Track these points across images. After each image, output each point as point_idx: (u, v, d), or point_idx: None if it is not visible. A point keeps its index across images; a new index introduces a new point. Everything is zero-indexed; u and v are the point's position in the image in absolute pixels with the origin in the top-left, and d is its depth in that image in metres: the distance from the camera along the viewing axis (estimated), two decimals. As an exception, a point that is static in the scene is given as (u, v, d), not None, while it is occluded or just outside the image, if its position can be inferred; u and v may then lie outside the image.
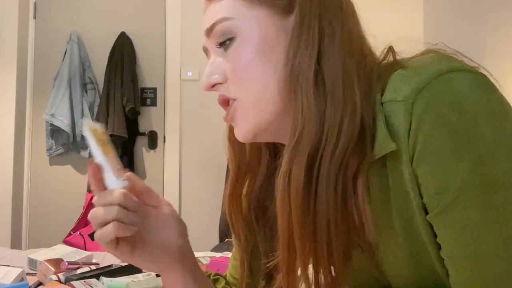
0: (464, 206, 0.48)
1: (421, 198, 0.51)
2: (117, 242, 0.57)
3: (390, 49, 0.59)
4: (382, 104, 0.52)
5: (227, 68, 0.59)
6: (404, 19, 2.93)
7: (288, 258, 0.55)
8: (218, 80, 0.60)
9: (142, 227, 0.59)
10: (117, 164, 0.59)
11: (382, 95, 0.53)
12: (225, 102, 0.61)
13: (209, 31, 0.60)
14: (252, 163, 0.68)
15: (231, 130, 0.66)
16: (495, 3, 2.24)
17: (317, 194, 0.52)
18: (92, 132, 0.58)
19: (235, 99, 0.59)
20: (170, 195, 2.96)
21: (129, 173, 0.61)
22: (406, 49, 0.59)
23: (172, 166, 3.02)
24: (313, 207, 0.52)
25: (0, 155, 2.87)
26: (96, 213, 0.56)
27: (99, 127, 0.61)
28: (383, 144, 0.51)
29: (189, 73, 3.03)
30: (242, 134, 0.60)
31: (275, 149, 0.67)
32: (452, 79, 0.49)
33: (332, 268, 0.54)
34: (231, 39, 0.58)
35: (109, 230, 0.55)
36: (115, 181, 0.57)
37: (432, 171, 0.49)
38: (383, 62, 0.58)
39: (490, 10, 2.28)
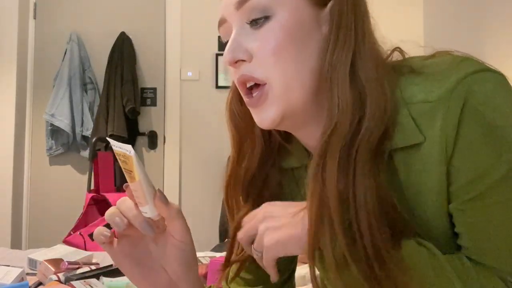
0: (496, 196, 0.52)
1: (447, 191, 0.54)
2: (113, 241, 0.60)
3: (396, 49, 0.61)
4: (407, 104, 0.55)
5: (255, 46, 0.57)
6: (404, 19, 2.93)
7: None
8: (243, 57, 0.57)
9: (145, 248, 0.62)
10: (143, 191, 0.56)
11: (401, 94, 0.56)
12: (244, 84, 0.59)
13: (241, 3, 0.57)
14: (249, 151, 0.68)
15: (235, 114, 0.66)
16: (495, 3, 2.24)
17: (355, 183, 0.53)
18: (116, 155, 0.56)
19: (265, 83, 0.57)
20: (170, 195, 2.94)
21: (156, 198, 0.58)
22: (407, 50, 0.61)
23: (172, 166, 3.02)
24: (352, 196, 0.53)
25: (0, 155, 2.87)
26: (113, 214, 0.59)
27: (122, 150, 0.56)
28: (408, 135, 0.54)
29: (189, 73, 3.03)
30: (270, 119, 0.58)
31: (270, 139, 0.67)
32: (481, 79, 0.53)
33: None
34: (266, 18, 0.56)
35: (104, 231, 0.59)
36: (143, 211, 0.58)
37: (466, 163, 0.52)
38: (388, 60, 0.61)
39: (490, 10, 2.28)
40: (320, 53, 0.57)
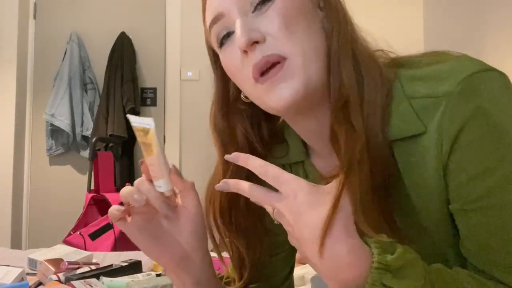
0: (498, 198, 0.52)
1: (446, 189, 0.54)
2: (127, 218, 0.61)
3: (380, 51, 0.62)
4: (409, 98, 0.55)
5: (265, 26, 0.56)
6: (404, 19, 2.93)
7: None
8: (258, 38, 0.55)
9: (160, 222, 0.63)
10: (160, 165, 0.58)
11: (402, 87, 0.56)
12: (261, 68, 0.56)
13: None
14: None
15: (218, 120, 0.67)
16: (495, 3, 2.24)
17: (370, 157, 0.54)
18: (135, 131, 0.58)
19: (285, 58, 0.55)
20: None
21: (172, 172, 0.60)
22: (406, 49, 0.62)
23: (172, 166, 3.02)
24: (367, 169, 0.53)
25: (0, 155, 2.87)
26: (127, 193, 0.60)
27: (142, 125, 0.57)
28: (409, 126, 0.54)
29: (189, 73, 3.03)
30: (292, 93, 0.55)
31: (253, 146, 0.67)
32: (486, 78, 0.53)
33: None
34: (269, 0, 0.56)
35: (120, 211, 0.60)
36: (157, 186, 0.59)
37: (467, 161, 0.52)
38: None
39: (490, 10, 2.28)
40: (324, 33, 0.58)
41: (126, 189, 0.61)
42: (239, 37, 0.55)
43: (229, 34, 0.59)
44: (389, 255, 0.47)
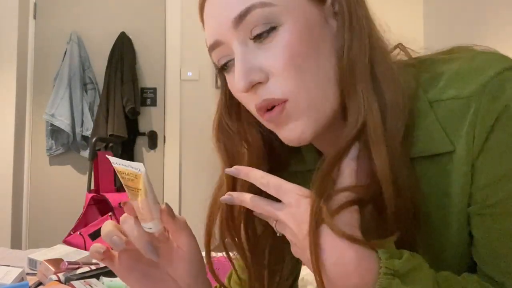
0: None
1: (469, 192, 0.51)
2: (116, 256, 0.57)
3: (399, 45, 0.58)
4: (431, 103, 0.52)
5: (268, 63, 0.50)
6: (404, 19, 2.93)
7: None
8: (260, 79, 0.51)
9: (150, 259, 0.56)
10: (150, 208, 0.52)
11: (424, 93, 0.53)
12: (265, 108, 0.52)
13: (240, 18, 0.50)
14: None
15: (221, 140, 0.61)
16: (495, 3, 2.24)
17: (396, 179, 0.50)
18: (119, 173, 0.52)
19: (285, 100, 0.51)
20: (170, 195, 2.96)
21: (164, 213, 0.54)
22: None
23: (172, 166, 3.02)
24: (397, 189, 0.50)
25: (0, 155, 2.87)
26: (111, 234, 0.54)
27: (129, 168, 0.51)
28: (437, 144, 0.51)
29: (189, 73, 3.03)
30: (299, 134, 0.52)
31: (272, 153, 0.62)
32: None
33: None
34: (273, 29, 0.50)
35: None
36: (146, 227, 0.54)
37: (490, 163, 0.49)
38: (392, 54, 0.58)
39: (490, 10, 2.28)
40: (335, 51, 0.52)
41: (107, 227, 0.55)
42: (238, 81, 0.50)
43: (230, 61, 0.54)
44: (396, 260, 0.45)
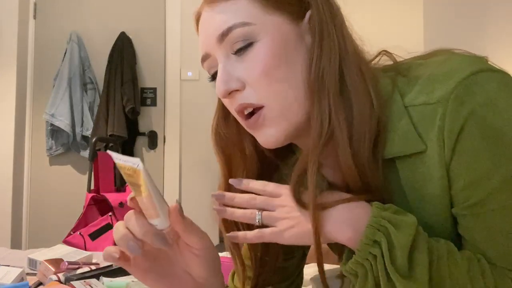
0: (497, 203, 0.51)
1: (449, 194, 0.54)
2: (129, 258, 0.56)
3: (383, 52, 0.61)
4: (406, 107, 0.55)
5: (244, 74, 0.57)
6: (404, 19, 2.93)
7: None
8: (236, 87, 0.58)
9: (166, 258, 0.58)
10: (153, 204, 0.51)
11: (401, 97, 0.56)
12: (243, 111, 0.59)
13: (222, 36, 0.57)
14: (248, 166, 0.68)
15: (221, 137, 0.67)
16: (495, 3, 2.24)
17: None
18: (120, 169, 0.51)
19: (261, 106, 0.57)
20: (170, 195, 2.96)
21: (173, 211, 0.53)
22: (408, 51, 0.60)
23: (172, 166, 3.02)
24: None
25: (0, 155, 2.87)
26: (120, 232, 0.54)
27: (127, 163, 0.50)
28: (410, 144, 0.54)
29: (189, 73, 3.03)
30: (274, 139, 0.58)
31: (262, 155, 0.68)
32: (482, 79, 0.51)
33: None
34: (250, 44, 0.57)
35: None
36: (153, 223, 0.53)
37: (465, 166, 0.52)
38: (373, 63, 0.61)
39: (490, 10, 2.28)
40: (307, 65, 0.57)
41: (120, 231, 0.53)
42: (218, 87, 0.58)
43: (217, 73, 0.60)
44: (384, 209, 0.53)
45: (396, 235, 0.50)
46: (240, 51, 0.57)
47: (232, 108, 0.60)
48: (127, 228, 0.53)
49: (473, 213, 0.53)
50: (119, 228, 0.54)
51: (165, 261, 0.58)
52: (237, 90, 0.58)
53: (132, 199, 0.53)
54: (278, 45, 0.56)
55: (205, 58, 0.62)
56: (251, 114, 0.59)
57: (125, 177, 0.52)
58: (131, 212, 0.54)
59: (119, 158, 0.51)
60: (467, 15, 2.48)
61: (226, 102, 0.62)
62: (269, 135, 0.58)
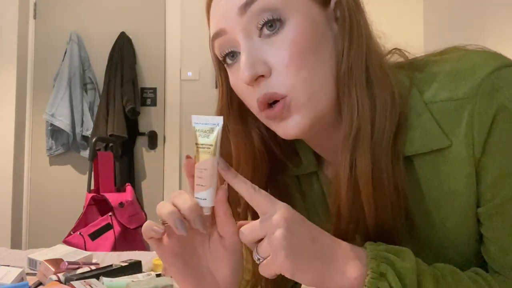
0: None
1: (475, 192, 0.53)
2: (161, 239, 0.54)
3: (395, 50, 0.59)
4: (426, 103, 0.53)
5: (273, 58, 0.52)
6: (404, 19, 2.92)
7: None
8: (263, 72, 0.52)
9: (194, 249, 0.56)
10: (214, 171, 0.51)
11: (420, 93, 0.54)
12: (266, 101, 0.53)
13: (246, 6, 0.51)
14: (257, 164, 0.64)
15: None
16: (495, 3, 2.24)
17: (381, 180, 0.53)
18: (195, 131, 0.52)
19: (285, 96, 0.52)
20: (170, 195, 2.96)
21: (221, 191, 0.52)
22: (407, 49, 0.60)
23: (172, 166, 3.02)
24: (381, 191, 0.53)
25: (0, 155, 2.87)
26: (164, 208, 0.52)
27: (207, 125, 0.52)
28: (433, 140, 0.52)
29: (189, 73, 3.03)
30: (300, 126, 0.53)
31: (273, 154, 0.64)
32: (507, 74, 0.51)
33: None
34: (280, 22, 0.51)
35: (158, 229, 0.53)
36: (199, 198, 0.52)
37: (495, 161, 0.51)
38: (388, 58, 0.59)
39: (490, 10, 2.28)
40: (335, 53, 0.54)
41: (167, 207, 0.52)
42: (243, 72, 0.51)
43: (233, 53, 0.55)
44: (379, 245, 0.51)
45: (400, 263, 0.48)
46: (267, 27, 0.51)
47: (253, 98, 0.54)
48: (174, 203, 0.52)
49: (501, 211, 0.52)
50: (165, 205, 0.52)
51: (193, 252, 0.56)
52: (262, 76, 0.52)
53: (189, 158, 0.53)
54: (309, 27, 0.51)
55: (218, 34, 0.55)
56: (271, 103, 0.54)
57: (196, 139, 0.52)
58: (181, 191, 0.54)
59: (199, 122, 0.53)
60: (467, 15, 2.48)
61: (244, 91, 0.55)
62: (294, 123, 0.53)
